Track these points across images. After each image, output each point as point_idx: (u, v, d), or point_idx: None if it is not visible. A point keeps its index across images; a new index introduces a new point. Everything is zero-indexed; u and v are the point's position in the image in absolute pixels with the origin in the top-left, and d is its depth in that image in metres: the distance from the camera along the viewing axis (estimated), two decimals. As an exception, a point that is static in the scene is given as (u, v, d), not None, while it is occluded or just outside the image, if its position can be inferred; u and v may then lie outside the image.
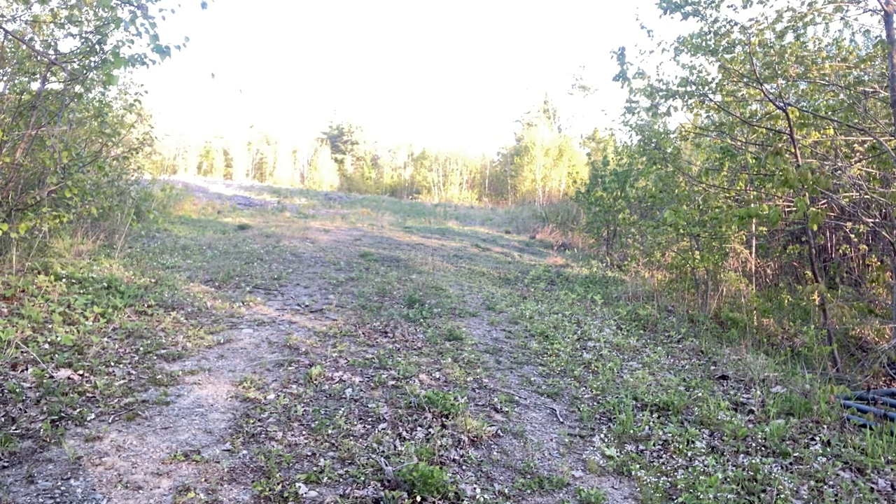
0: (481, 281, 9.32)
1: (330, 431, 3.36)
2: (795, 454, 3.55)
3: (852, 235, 7.62)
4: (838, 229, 8.21)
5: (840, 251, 8.28)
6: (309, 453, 3.11)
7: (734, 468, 3.32)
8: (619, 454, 3.45)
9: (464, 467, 3.14)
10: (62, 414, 3.27)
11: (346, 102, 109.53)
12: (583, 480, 3.15)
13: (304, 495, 2.71)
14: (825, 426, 3.98)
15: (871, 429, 3.86)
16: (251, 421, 3.43)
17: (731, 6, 6.23)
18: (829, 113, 6.23)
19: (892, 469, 3.42)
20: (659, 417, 4.05)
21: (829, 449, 3.64)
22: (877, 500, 3.08)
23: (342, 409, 3.70)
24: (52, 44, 5.85)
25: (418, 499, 2.71)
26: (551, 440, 3.64)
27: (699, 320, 7.31)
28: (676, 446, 3.56)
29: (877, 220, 6.41)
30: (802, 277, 8.66)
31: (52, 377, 3.69)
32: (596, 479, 3.18)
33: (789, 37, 6.11)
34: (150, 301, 5.61)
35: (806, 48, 6.17)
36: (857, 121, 6.10)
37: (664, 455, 3.49)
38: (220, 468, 2.88)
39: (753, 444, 3.67)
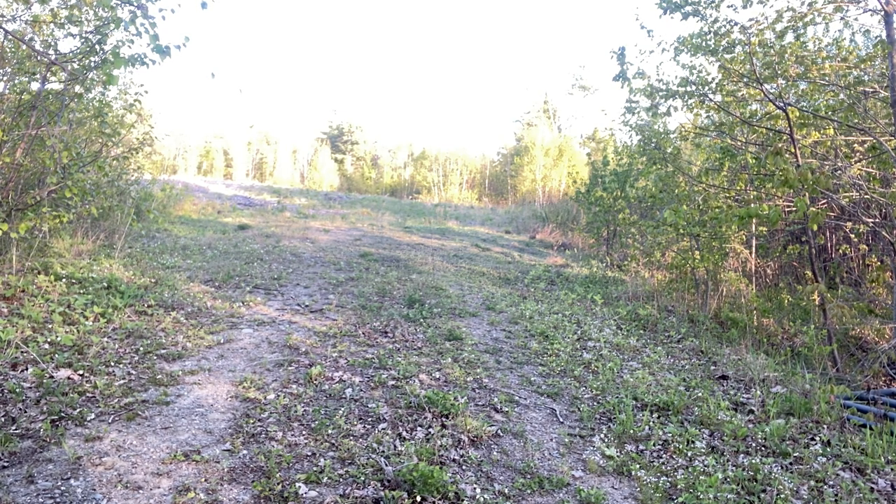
0: (481, 281, 9.32)
1: (330, 431, 3.36)
2: (795, 454, 3.55)
3: (852, 235, 7.62)
4: (838, 229, 8.21)
5: (840, 251, 8.28)
6: (309, 453, 3.11)
7: (734, 468, 3.32)
8: (619, 454, 3.45)
9: (464, 467, 3.14)
10: (62, 414, 3.27)
11: (346, 102, 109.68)
12: (583, 480, 3.15)
13: (304, 495, 2.71)
14: (825, 426, 3.98)
15: (871, 429, 3.86)
16: (251, 421, 3.43)
17: (731, 6, 6.23)
18: (829, 113, 6.23)
19: (892, 469, 3.42)
20: (659, 417, 4.05)
21: (829, 449, 3.64)
22: (877, 500, 3.07)
23: (342, 409, 3.70)
24: (52, 44, 5.85)
25: (418, 499, 2.71)
26: (551, 440, 3.64)
27: (699, 320, 7.31)
28: (676, 446, 3.56)
29: (877, 220, 6.41)
30: (802, 277, 8.66)
31: (52, 377, 3.69)
32: (596, 479, 3.18)
33: (789, 37, 6.11)
34: (150, 301, 5.61)
35: (806, 48, 6.17)
36: (857, 121, 6.10)
37: (664, 455, 3.49)
38: (220, 468, 2.88)
39: (753, 444, 3.67)
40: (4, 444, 2.89)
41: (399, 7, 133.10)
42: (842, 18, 5.94)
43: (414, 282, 8.30)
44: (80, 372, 3.83)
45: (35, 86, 5.91)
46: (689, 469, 3.29)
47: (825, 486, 3.19)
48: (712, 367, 5.43)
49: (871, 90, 5.76)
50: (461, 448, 3.33)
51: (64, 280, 5.57)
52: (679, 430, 3.80)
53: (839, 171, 5.78)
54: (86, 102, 7.14)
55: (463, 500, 2.79)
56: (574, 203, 18.21)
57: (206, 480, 2.76)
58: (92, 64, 5.50)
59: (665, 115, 6.96)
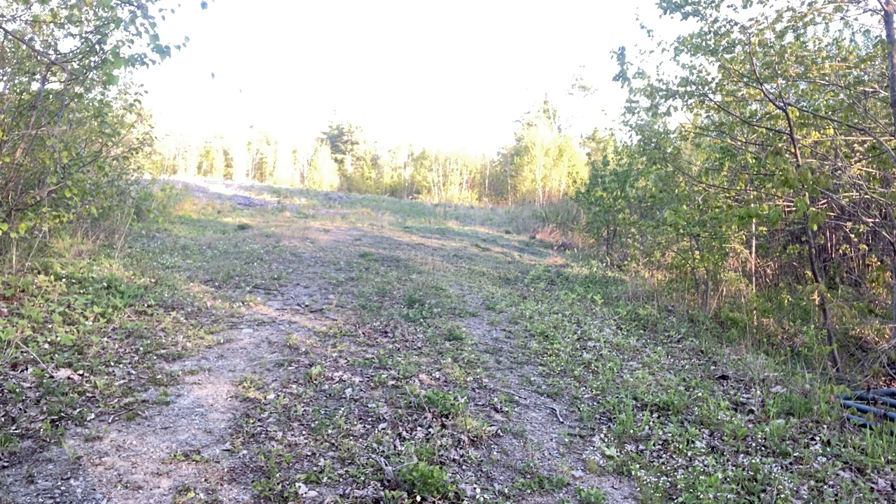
0: (481, 281, 9.32)
1: (330, 431, 3.36)
2: (795, 454, 3.55)
3: (852, 235, 7.62)
4: (838, 229, 8.21)
5: (840, 251, 8.28)
6: (309, 453, 3.11)
7: (734, 468, 3.32)
8: (619, 454, 3.45)
9: (464, 467, 3.14)
10: (62, 414, 3.27)
11: (346, 102, 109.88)
12: (583, 480, 3.15)
13: (304, 495, 2.71)
14: (825, 426, 3.98)
15: (871, 429, 3.85)
16: (251, 421, 3.43)
17: (731, 6, 6.23)
18: (829, 113, 6.23)
19: (892, 469, 3.42)
20: (659, 417, 4.05)
21: (829, 449, 3.64)
22: (877, 500, 3.07)
23: (342, 408, 3.70)
24: (52, 44, 5.85)
25: (418, 499, 2.71)
26: (551, 440, 3.63)
27: (699, 320, 7.31)
28: (676, 446, 3.56)
29: (877, 219, 6.41)
30: (802, 277, 8.65)
31: (52, 377, 3.69)
32: (596, 479, 3.18)
33: (789, 37, 6.11)
34: (150, 301, 5.61)
35: (806, 48, 6.17)
36: (857, 121, 6.09)
37: (664, 455, 3.49)
38: (219, 468, 2.88)
39: (753, 444, 3.67)
40: (4, 444, 2.89)
41: (399, 7, 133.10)
42: (842, 18, 5.94)
43: (414, 282, 8.30)
44: (80, 372, 3.83)
45: (35, 86, 5.91)
46: (689, 469, 3.29)
47: (825, 486, 3.19)
48: (712, 367, 5.43)
49: (871, 90, 5.76)
50: (461, 448, 3.33)
51: (64, 280, 5.57)
52: (679, 429, 3.80)
53: (839, 171, 5.78)
54: (86, 102, 7.14)
55: (463, 500, 2.79)
56: (574, 203, 18.20)
57: (205, 480, 2.76)
58: (92, 64, 5.50)
59: (665, 115, 6.96)
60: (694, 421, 4.00)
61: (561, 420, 3.97)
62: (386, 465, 2.97)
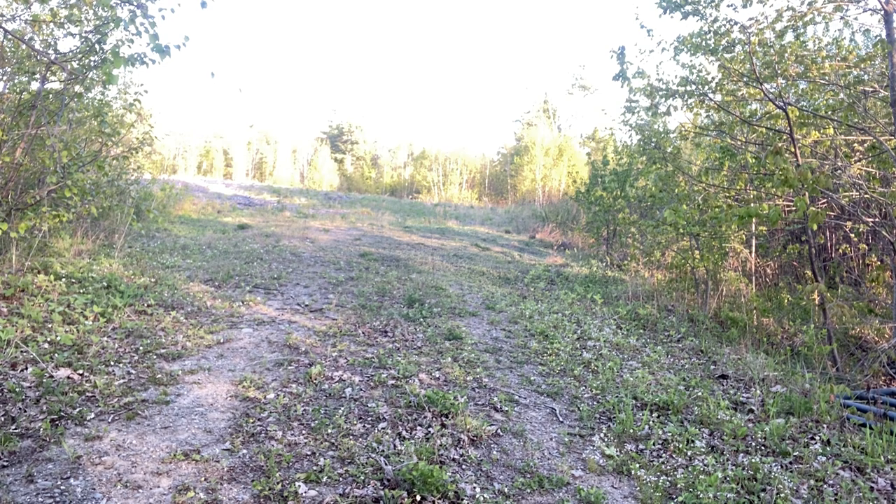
0: (481, 280, 9.32)
1: (330, 431, 3.36)
2: (795, 453, 3.55)
3: (852, 235, 7.62)
4: (838, 229, 8.21)
5: (840, 251, 8.28)
6: (309, 452, 3.11)
7: (734, 467, 3.32)
8: (618, 453, 3.45)
9: (463, 466, 3.14)
10: (62, 413, 3.27)
11: (345, 102, 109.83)
12: (583, 480, 3.15)
13: (304, 494, 2.71)
14: (825, 425, 3.98)
15: (870, 428, 3.85)
16: (251, 420, 3.43)
17: (731, 5, 6.23)
18: (829, 112, 6.23)
19: (891, 468, 3.42)
20: (659, 417, 4.05)
21: (828, 448, 3.64)
22: (876, 500, 3.07)
23: (342, 408, 3.70)
24: (52, 43, 5.85)
25: (418, 498, 2.71)
26: (551, 439, 3.64)
27: (699, 320, 7.31)
28: (676, 445, 3.56)
29: (877, 219, 6.41)
30: (802, 277, 8.65)
31: (51, 376, 3.69)
32: (596, 479, 3.18)
33: (789, 36, 6.11)
34: (150, 300, 5.61)
35: (806, 48, 6.17)
36: (856, 120, 6.10)
37: (664, 454, 3.49)
38: (219, 467, 2.88)
39: (753, 444, 3.67)
40: (4, 444, 2.89)
41: (399, 7, 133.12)
42: (842, 18, 5.94)
43: (414, 281, 8.30)
44: (80, 371, 3.83)
45: (35, 85, 5.91)
46: (689, 468, 3.29)
47: (825, 486, 3.19)
48: (712, 367, 5.43)
49: (871, 90, 5.76)
50: (461, 447, 3.33)
51: (64, 279, 5.57)
52: (679, 429, 3.80)
53: (839, 171, 5.78)
54: (85, 102, 7.14)
55: (463, 500, 2.79)
56: (574, 203, 18.21)
57: (205, 480, 2.76)
58: (92, 63, 5.50)
59: (665, 114, 6.97)
60: (694, 420, 4.00)
61: (561, 419, 3.97)
62: (386, 464, 2.97)
